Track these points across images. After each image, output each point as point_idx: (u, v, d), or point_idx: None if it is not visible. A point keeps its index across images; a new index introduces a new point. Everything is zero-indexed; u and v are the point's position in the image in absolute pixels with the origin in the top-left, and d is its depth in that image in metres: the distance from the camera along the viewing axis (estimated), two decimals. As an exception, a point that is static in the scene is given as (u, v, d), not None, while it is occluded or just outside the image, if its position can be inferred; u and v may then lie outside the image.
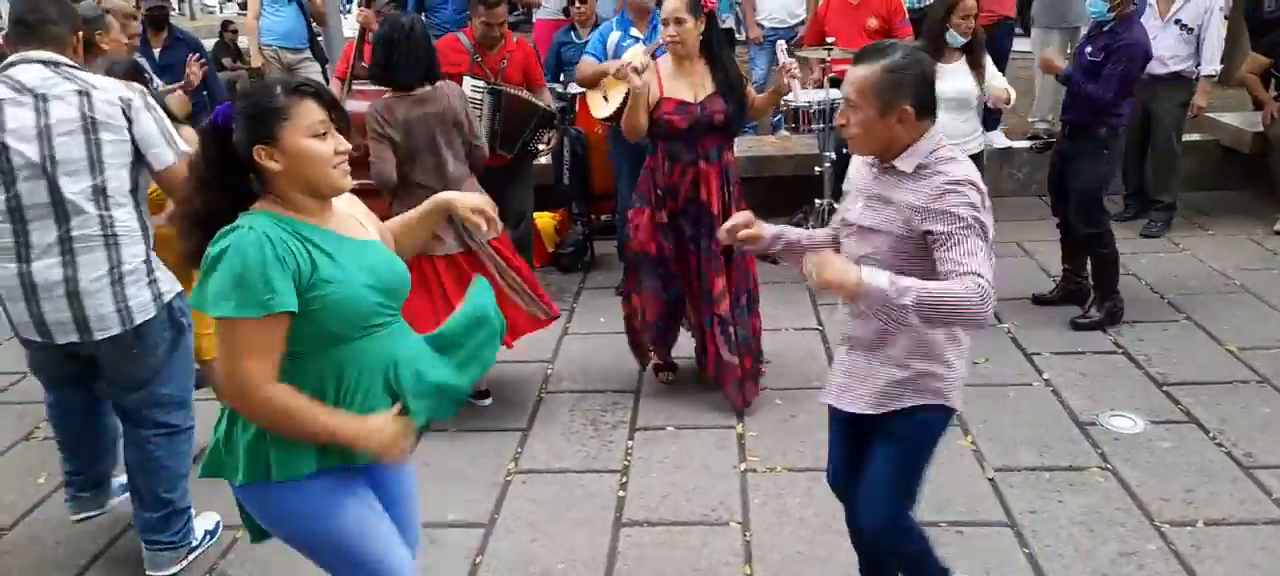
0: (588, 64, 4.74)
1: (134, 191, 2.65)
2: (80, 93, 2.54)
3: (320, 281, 1.79)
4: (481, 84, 4.55)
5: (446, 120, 3.67)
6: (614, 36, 4.76)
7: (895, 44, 2.15)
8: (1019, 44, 6.87)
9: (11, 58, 2.62)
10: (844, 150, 5.24)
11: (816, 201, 5.28)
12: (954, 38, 4.29)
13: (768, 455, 3.50)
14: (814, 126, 5.18)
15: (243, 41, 6.66)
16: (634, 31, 4.73)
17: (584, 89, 5.37)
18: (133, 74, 3.12)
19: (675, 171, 3.77)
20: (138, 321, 2.64)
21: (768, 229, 2.35)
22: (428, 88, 3.66)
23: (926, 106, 2.08)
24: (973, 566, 2.83)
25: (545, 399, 4.05)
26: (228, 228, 1.78)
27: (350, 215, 1.98)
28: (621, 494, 3.30)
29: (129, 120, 2.58)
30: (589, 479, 3.41)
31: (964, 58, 4.35)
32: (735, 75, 3.78)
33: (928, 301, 1.92)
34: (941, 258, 2.01)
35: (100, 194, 2.56)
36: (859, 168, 2.26)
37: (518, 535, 3.10)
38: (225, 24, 9.61)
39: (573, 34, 5.63)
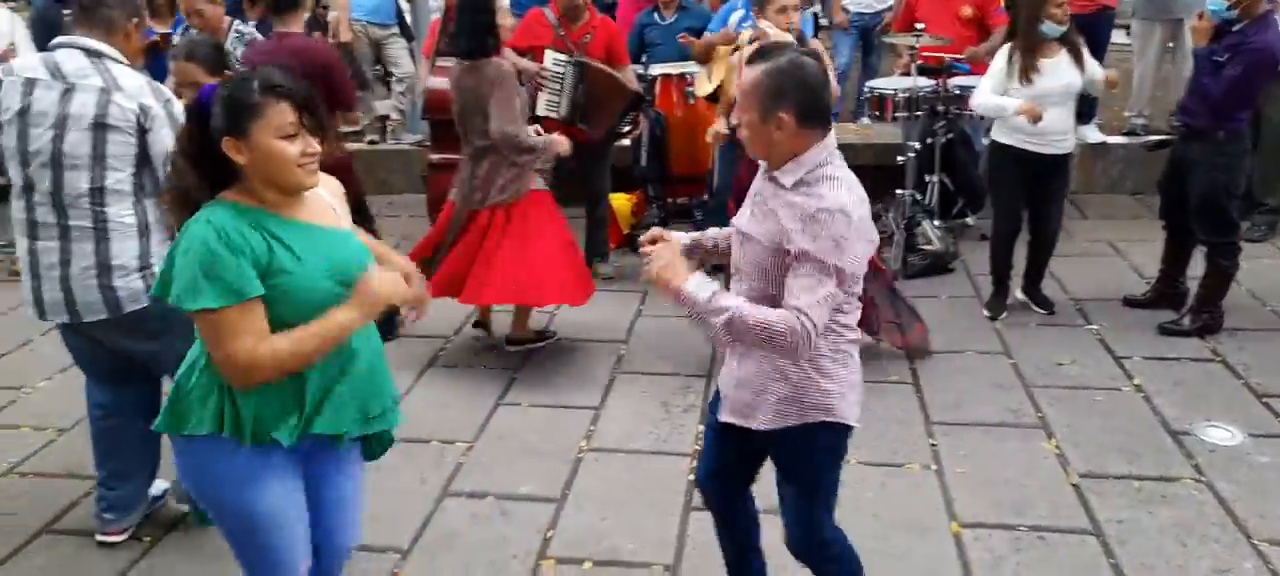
0: (707, 38, 4.76)
1: (138, 190, 2.69)
2: (102, 90, 2.61)
3: (276, 270, 1.84)
4: (563, 57, 4.56)
5: (481, 93, 3.82)
6: (736, 15, 4.80)
7: (785, 47, 2.06)
8: (1117, 36, 6.59)
9: (61, 39, 2.71)
10: (929, 140, 5.16)
11: (898, 192, 5.16)
12: (1050, 28, 4.13)
13: (841, 448, 3.44)
14: (898, 115, 5.06)
15: (333, 15, 6.78)
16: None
17: (668, 72, 5.36)
18: (213, 58, 3.06)
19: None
20: (126, 310, 2.70)
21: (681, 238, 2.31)
22: (482, 59, 3.82)
23: (809, 114, 1.97)
24: (1055, 575, 2.74)
25: (617, 379, 4.06)
26: (193, 221, 1.83)
27: (324, 203, 2.02)
28: (691, 478, 3.28)
29: (144, 128, 2.64)
30: (660, 460, 3.40)
31: (1063, 50, 4.18)
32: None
33: (739, 324, 1.93)
34: (786, 281, 1.96)
35: (97, 191, 2.63)
36: (759, 171, 2.17)
37: (588, 512, 3.12)
38: (317, -2, 9.84)
39: (656, 15, 5.60)
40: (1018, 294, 4.61)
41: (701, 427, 3.62)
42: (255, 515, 1.97)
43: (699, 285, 1.98)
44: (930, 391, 3.83)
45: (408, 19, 7.13)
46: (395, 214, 6.35)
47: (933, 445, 3.44)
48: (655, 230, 2.30)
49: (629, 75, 4.93)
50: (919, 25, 5.04)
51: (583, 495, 3.21)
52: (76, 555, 2.98)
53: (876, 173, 5.79)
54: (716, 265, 2.47)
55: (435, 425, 3.67)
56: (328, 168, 2.03)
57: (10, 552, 3.00)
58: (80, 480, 3.36)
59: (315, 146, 1.88)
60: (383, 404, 2.08)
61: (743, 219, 2.14)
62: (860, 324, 3.89)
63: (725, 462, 2.37)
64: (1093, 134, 6.31)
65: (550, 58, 4.55)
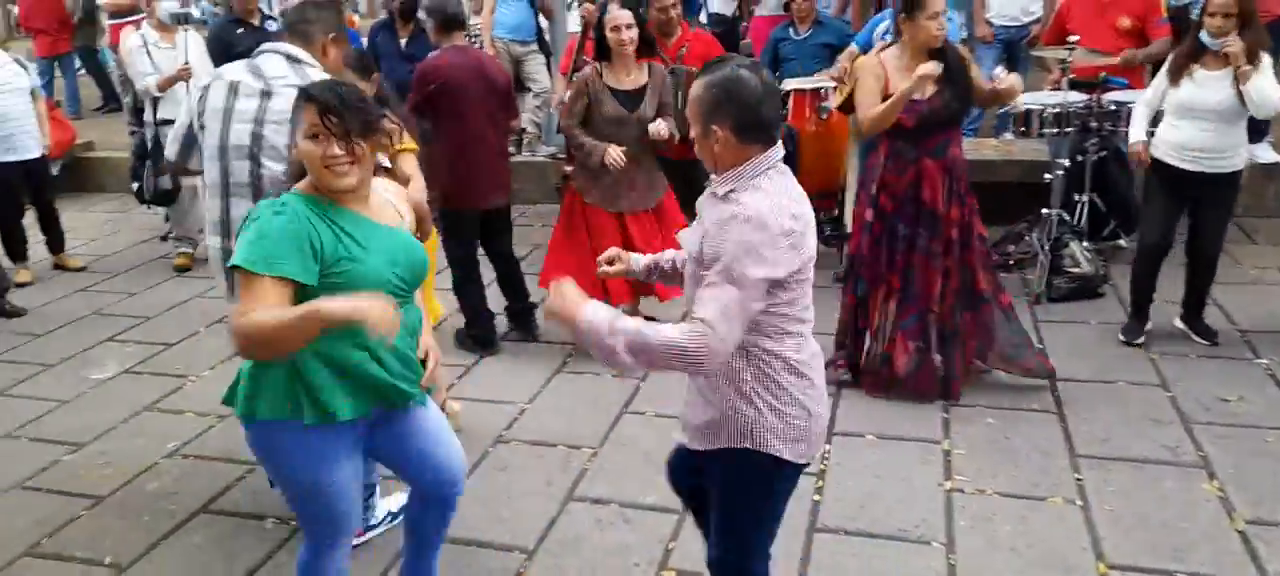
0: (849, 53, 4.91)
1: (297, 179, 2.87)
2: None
3: (342, 258, 2.02)
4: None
5: None
6: (882, 26, 4.82)
7: (728, 60, 2.00)
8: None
9: (266, 45, 3.00)
10: (1079, 158, 4.89)
11: (1043, 211, 4.91)
12: (1209, 39, 3.83)
13: (976, 476, 3.30)
14: (1046, 131, 4.82)
15: (474, 21, 7.04)
16: None
17: (801, 87, 5.31)
18: (358, 65, 3.45)
19: (896, 169, 3.73)
20: None
21: (639, 260, 2.34)
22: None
23: (746, 128, 1.92)
24: (1214, 625, 2.53)
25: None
26: (271, 201, 2.04)
27: (390, 204, 2.23)
28: (817, 498, 3.21)
29: None
30: (784, 479, 3.34)
31: (1229, 67, 3.86)
32: (955, 59, 3.67)
33: (637, 345, 1.86)
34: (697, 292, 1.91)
35: (274, 181, 2.84)
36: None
37: (710, 526, 3.09)
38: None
39: (791, 30, 5.55)
40: (1177, 323, 4.30)
41: (827, 447, 3.54)
42: (320, 488, 2.18)
43: (595, 312, 1.90)
44: (1076, 421, 3.61)
45: (547, 37, 7.33)
46: (528, 223, 6.52)
47: (1078, 479, 3.24)
48: (611, 250, 2.36)
49: None
50: (1072, 37, 4.79)
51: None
52: (232, 534, 3.18)
53: (1019, 190, 5.57)
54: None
55: (562, 430, 3.73)
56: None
57: (171, 529, 3.23)
58: (237, 464, 3.60)
59: (336, 150, 2.02)
60: (416, 374, 2.26)
61: (686, 232, 2.11)
62: (975, 355, 3.76)
63: (688, 465, 2.33)
64: (1265, 153, 5.83)
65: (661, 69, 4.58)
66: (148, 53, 5.63)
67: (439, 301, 4.39)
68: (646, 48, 4.22)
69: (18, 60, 5.78)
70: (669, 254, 2.36)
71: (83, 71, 10.08)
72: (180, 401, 4.21)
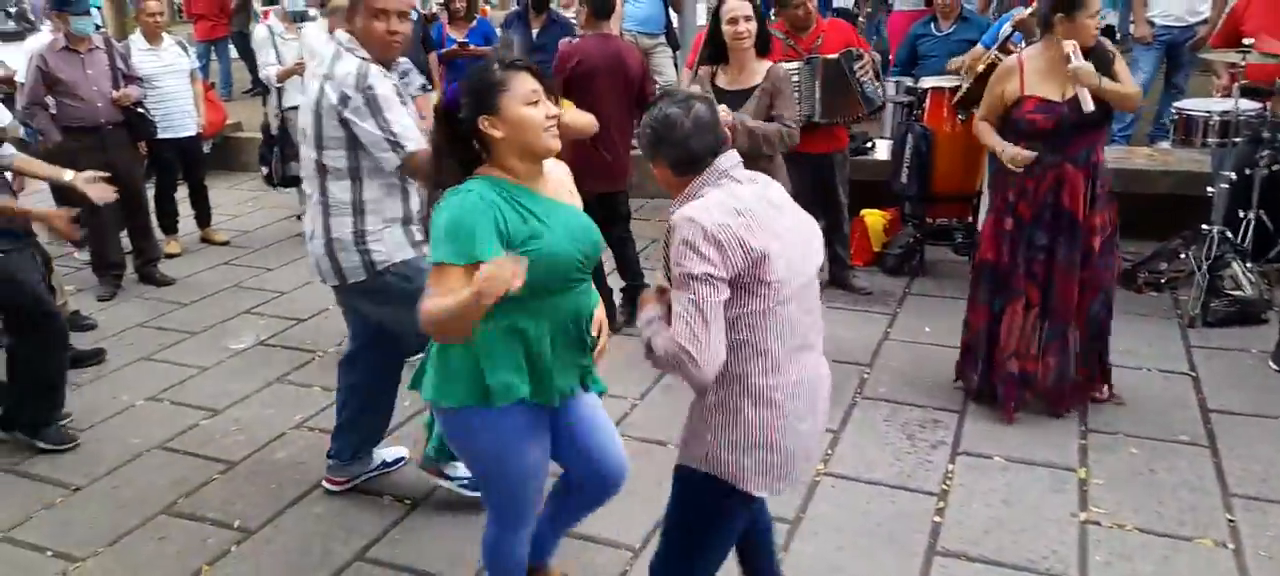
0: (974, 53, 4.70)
1: (354, 170, 2.85)
2: (324, 77, 2.82)
3: (530, 236, 2.03)
4: (795, 64, 4.44)
5: None
6: (1007, 26, 4.56)
7: (663, 97, 2.04)
8: None
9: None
10: (1247, 171, 4.50)
11: (1203, 227, 4.53)
12: None
13: (1115, 509, 3.06)
14: (1210, 140, 4.45)
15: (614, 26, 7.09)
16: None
17: (939, 85, 5.10)
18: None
19: (1043, 176, 3.49)
20: (350, 281, 2.95)
21: None
22: None
23: (681, 165, 1.99)
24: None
25: (859, 403, 3.88)
26: (454, 190, 2.05)
27: (563, 184, 2.24)
28: (938, 519, 3.06)
29: (345, 117, 2.77)
30: (902, 496, 3.20)
31: None
32: (1103, 59, 3.40)
33: (654, 351, 1.91)
34: None
35: (320, 168, 2.87)
36: None
37: (823, 539, 2.99)
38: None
39: (933, 26, 5.33)
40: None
41: (951, 466, 3.37)
42: (508, 472, 2.23)
43: (647, 312, 2.00)
44: (1230, 458, 3.31)
45: (676, 29, 7.30)
46: (646, 217, 6.51)
47: (1230, 520, 2.97)
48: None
49: None
50: (1247, 40, 4.40)
51: (818, 520, 3.09)
52: (351, 508, 3.28)
53: (1171, 203, 5.18)
54: None
55: (673, 429, 3.66)
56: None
57: (296, 498, 3.36)
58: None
59: (555, 110, 2.08)
60: (588, 362, 2.31)
61: None
62: (1048, 391, 3.45)
63: None
64: None
65: (784, 69, 4.45)
66: (273, 43, 5.92)
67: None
68: (764, 45, 3.95)
69: (180, 43, 6.16)
70: None
71: (237, 57, 10.70)
72: (309, 375, 4.38)
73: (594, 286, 2.31)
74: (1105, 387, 3.73)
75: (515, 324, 2.09)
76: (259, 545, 3.10)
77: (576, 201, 2.27)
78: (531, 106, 2.05)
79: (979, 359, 3.76)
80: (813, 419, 2.03)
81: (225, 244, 6.44)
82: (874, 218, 5.44)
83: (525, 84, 2.04)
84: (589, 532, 3.03)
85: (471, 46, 6.78)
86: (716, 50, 3.97)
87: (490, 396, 2.10)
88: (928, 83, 5.20)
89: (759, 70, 3.93)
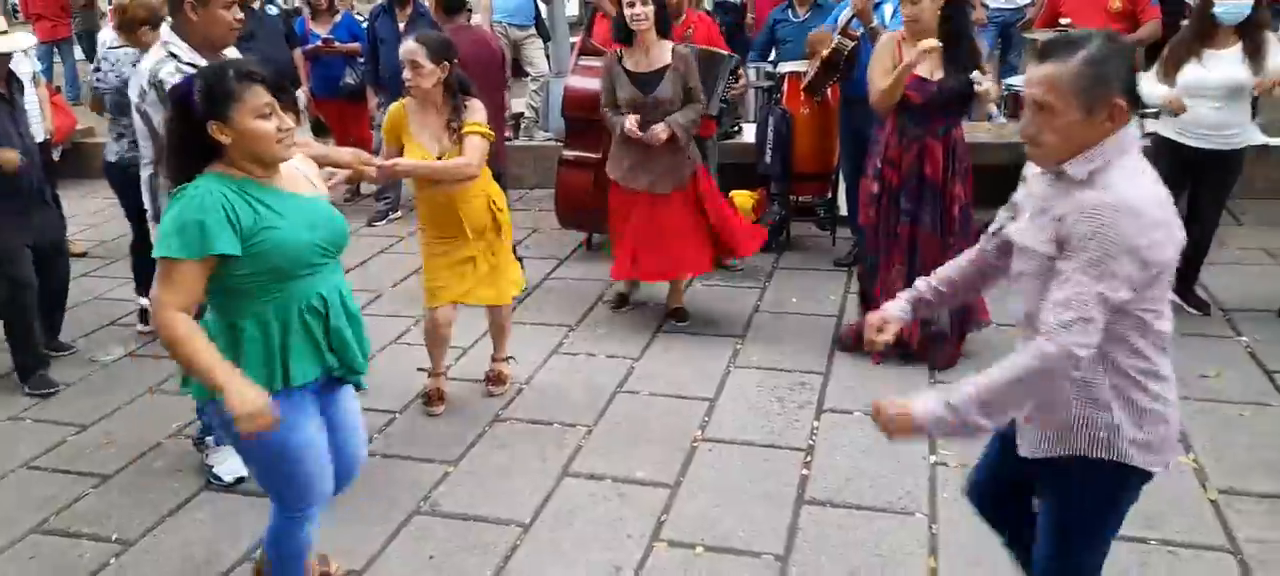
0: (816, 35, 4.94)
1: (155, 161, 3.11)
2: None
3: (263, 227, 2.10)
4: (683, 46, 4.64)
5: None
6: (888, 7, 4.83)
7: (1088, 33, 1.80)
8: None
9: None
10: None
11: (1032, 192, 4.97)
12: (1226, 11, 3.88)
13: (962, 450, 3.37)
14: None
15: (476, 17, 7.08)
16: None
17: (796, 70, 5.37)
18: (438, 47, 3.50)
19: (902, 145, 3.85)
20: None
21: (896, 310, 2.22)
22: None
23: (1132, 94, 1.76)
24: (1186, 591, 2.62)
25: (733, 372, 4.10)
26: (181, 187, 2.10)
27: (301, 174, 2.31)
28: (805, 472, 3.30)
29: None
30: (774, 454, 3.43)
31: (1240, 42, 3.93)
32: (967, 56, 3.75)
33: (987, 399, 1.72)
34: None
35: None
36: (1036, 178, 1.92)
37: (701, 499, 3.18)
38: None
39: (790, 12, 5.59)
40: (1169, 295, 4.37)
41: (816, 423, 3.62)
42: (288, 451, 2.28)
43: (926, 409, 1.79)
44: (1059, 398, 3.69)
45: (545, 21, 7.37)
46: (526, 208, 6.59)
47: (1059, 453, 3.33)
48: (875, 317, 2.18)
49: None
50: (1064, 20, 4.84)
51: (696, 483, 3.28)
52: (238, 511, 3.27)
53: (1008, 173, 5.62)
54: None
55: (557, 408, 3.81)
56: None
57: (176, 507, 3.32)
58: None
59: (289, 122, 2.14)
60: (366, 349, 2.44)
61: (1020, 230, 1.91)
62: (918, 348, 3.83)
63: (996, 475, 2.21)
64: (1255, 134, 5.87)
65: (684, 47, 4.64)
66: None
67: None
68: (666, 26, 4.16)
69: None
70: (929, 282, 2.23)
71: (82, 57, 10.13)
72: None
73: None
74: (961, 348, 4.07)
75: (258, 315, 2.19)
76: (139, 555, 3.06)
77: (318, 190, 2.34)
78: (262, 120, 2.09)
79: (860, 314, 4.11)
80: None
81: (83, 255, 6.14)
82: (743, 198, 5.69)
83: (258, 98, 2.08)
84: (476, 513, 3.13)
85: (336, 43, 6.68)
86: (623, 31, 4.15)
87: (274, 380, 2.21)
88: (784, 67, 5.48)
89: (665, 50, 4.14)
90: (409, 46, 3.42)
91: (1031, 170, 1.92)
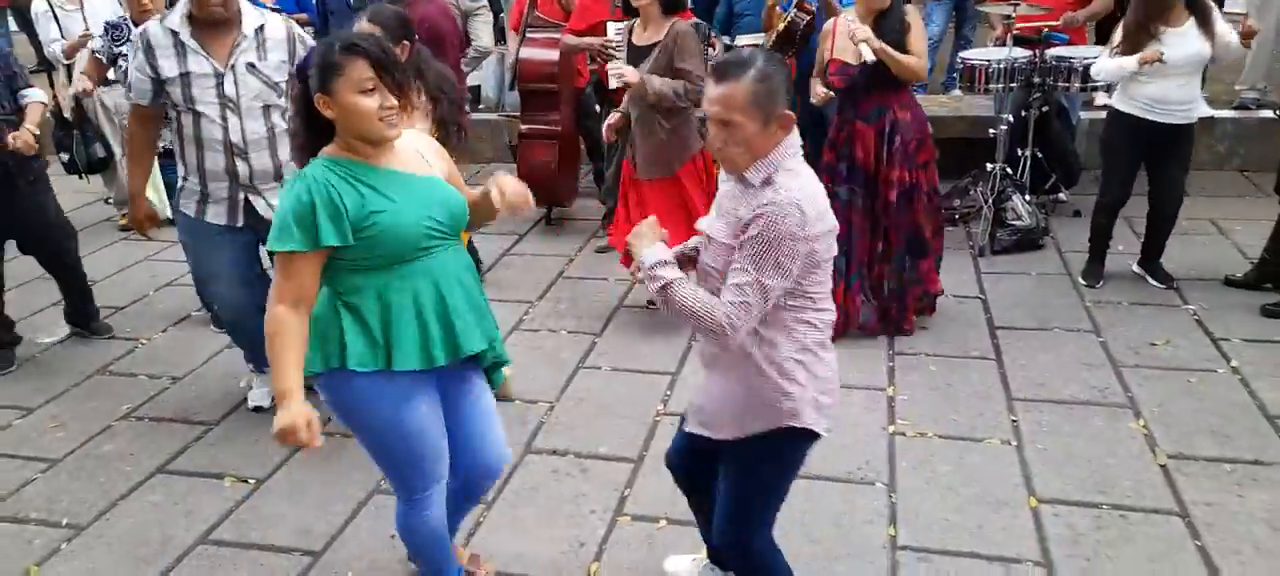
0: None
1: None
2: None
3: (371, 213, 2.03)
4: (622, 23, 4.59)
5: None
6: None
7: (754, 54, 1.97)
8: (1233, 3, 6.25)
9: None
10: (1022, 113, 5.02)
11: (988, 166, 5.04)
12: None
13: (919, 420, 3.43)
14: (992, 87, 4.94)
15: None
16: None
17: (754, 44, 5.35)
18: (396, 26, 3.25)
19: (836, 127, 3.92)
20: None
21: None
22: None
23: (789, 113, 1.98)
24: (1136, 554, 2.69)
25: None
26: (293, 177, 2.05)
27: (414, 151, 2.19)
28: (767, 444, 3.32)
29: None
30: (735, 427, 3.45)
31: (1192, 18, 3.99)
32: (895, 34, 3.72)
33: (685, 303, 1.95)
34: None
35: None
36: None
37: (664, 473, 3.14)
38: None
39: (746, -15, 5.56)
40: (1135, 268, 4.49)
41: (778, 396, 3.65)
42: (393, 432, 2.19)
43: (654, 253, 2.02)
44: (1013, 367, 3.76)
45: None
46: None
47: (1013, 421, 3.39)
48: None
49: None
50: (1015, -8, 4.89)
51: (658, 457, 3.27)
52: (190, 493, 3.21)
53: (966, 145, 5.70)
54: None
55: (520, 385, 3.78)
56: None
57: (129, 490, 3.25)
58: (193, 425, 3.62)
59: (392, 100, 2.03)
60: (495, 334, 2.32)
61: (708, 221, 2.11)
62: (863, 326, 3.92)
63: (690, 448, 2.37)
64: (1204, 107, 6.01)
65: (612, 28, 4.59)
66: (55, 16, 5.50)
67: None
68: (673, 3, 4.04)
69: (-50, 18, 5.60)
70: (691, 243, 2.29)
71: (17, 30, 9.76)
72: (132, 364, 4.18)
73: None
74: (912, 319, 4.11)
75: (366, 297, 2.11)
76: (91, 539, 2.99)
77: (433, 169, 2.21)
78: (363, 95, 2.00)
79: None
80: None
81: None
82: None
83: (360, 72, 1.99)
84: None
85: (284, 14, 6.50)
86: (627, 4, 4.11)
87: (348, 361, 2.11)
88: (743, 41, 5.46)
89: (664, 27, 4.04)
90: (364, 28, 3.14)
91: (722, 175, 2.09)
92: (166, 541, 2.95)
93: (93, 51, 4.74)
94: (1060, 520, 2.84)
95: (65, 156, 5.66)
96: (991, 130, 5.07)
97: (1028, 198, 4.99)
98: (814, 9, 4.38)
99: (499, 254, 5.25)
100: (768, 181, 1.93)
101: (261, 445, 3.42)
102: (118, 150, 5.73)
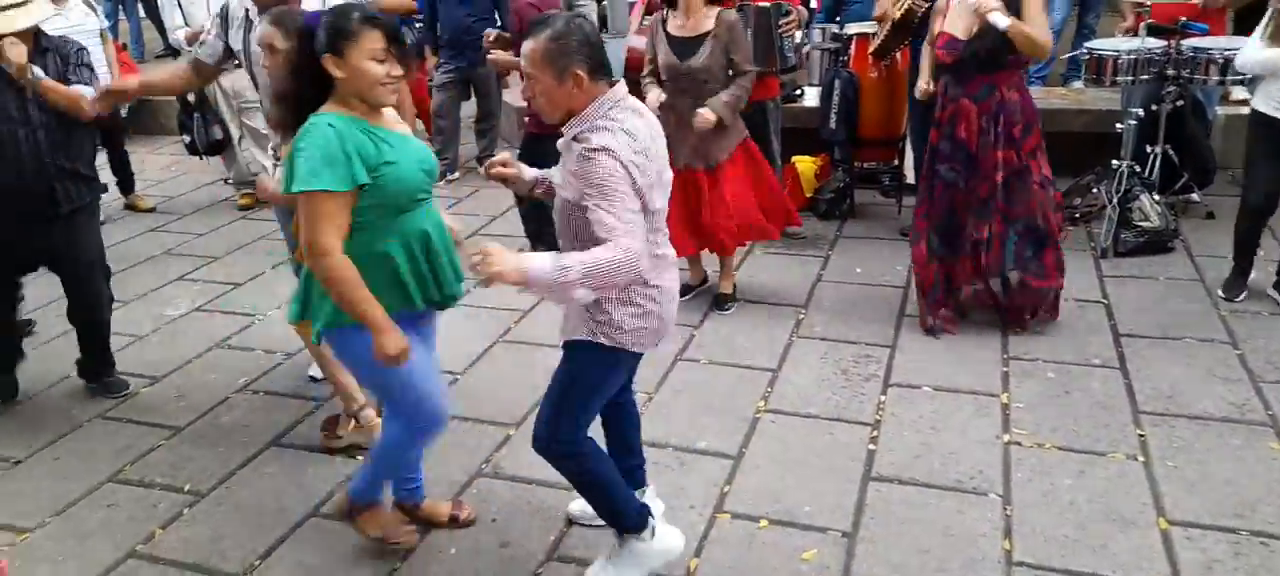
0: None
1: None
2: None
3: (382, 161, 2.26)
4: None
5: None
6: None
7: (556, 15, 2.21)
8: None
9: None
10: (1154, 107, 4.73)
11: (1114, 162, 4.77)
12: None
13: (1036, 429, 3.27)
14: (1120, 79, 4.67)
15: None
16: None
17: (864, 31, 5.21)
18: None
19: (941, 106, 3.78)
20: None
21: (528, 172, 2.52)
22: None
23: (597, 71, 2.19)
24: (1278, 585, 2.50)
25: (795, 342, 4.03)
26: (309, 123, 2.23)
27: (392, 115, 2.45)
28: (872, 447, 3.22)
29: None
30: (838, 427, 3.36)
31: None
32: (1013, 8, 3.55)
33: (590, 270, 2.06)
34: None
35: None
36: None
37: (765, 471, 3.13)
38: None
39: (856, -28, 5.42)
40: (1270, 291, 4.15)
41: (883, 397, 3.54)
42: (413, 370, 2.42)
43: (538, 261, 2.09)
44: (1140, 378, 3.55)
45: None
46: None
47: (1140, 435, 3.20)
48: (503, 155, 2.52)
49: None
50: (1152, -20, 4.59)
51: (759, 454, 3.22)
52: (302, 466, 3.31)
53: (1086, 141, 5.42)
54: (532, 197, 2.63)
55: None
56: None
57: (245, 460, 3.37)
58: (305, 399, 3.74)
59: (398, 70, 2.28)
60: (461, 276, 2.57)
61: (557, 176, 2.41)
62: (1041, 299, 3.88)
63: None
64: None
65: (731, 15, 4.50)
66: (179, 4, 5.73)
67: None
68: None
69: (87, 2, 5.91)
70: (555, 172, 2.47)
71: (145, 18, 10.27)
72: (249, 338, 4.35)
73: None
74: (1027, 317, 3.94)
75: (379, 246, 2.33)
76: (212, 506, 3.11)
77: (408, 131, 2.49)
78: (375, 62, 2.24)
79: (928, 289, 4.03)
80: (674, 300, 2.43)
81: (151, 210, 6.27)
82: (805, 164, 5.57)
83: (375, 41, 2.23)
84: (537, 477, 3.11)
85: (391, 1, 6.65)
86: None
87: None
88: (852, 29, 5.32)
89: (709, 16, 3.95)
90: (266, 31, 3.02)
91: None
92: (281, 512, 3.05)
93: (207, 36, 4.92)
94: (1193, 544, 2.66)
95: (186, 138, 5.96)
96: (1118, 125, 4.78)
97: (1157, 197, 4.70)
98: None
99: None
100: (578, 138, 2.17)
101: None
102: (235, 132, 5.98)
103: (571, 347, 2.40)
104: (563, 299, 2.15)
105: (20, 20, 3.36)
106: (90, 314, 3.78)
